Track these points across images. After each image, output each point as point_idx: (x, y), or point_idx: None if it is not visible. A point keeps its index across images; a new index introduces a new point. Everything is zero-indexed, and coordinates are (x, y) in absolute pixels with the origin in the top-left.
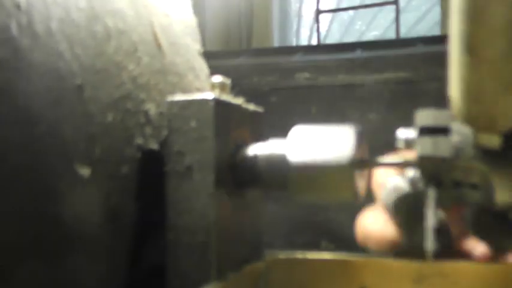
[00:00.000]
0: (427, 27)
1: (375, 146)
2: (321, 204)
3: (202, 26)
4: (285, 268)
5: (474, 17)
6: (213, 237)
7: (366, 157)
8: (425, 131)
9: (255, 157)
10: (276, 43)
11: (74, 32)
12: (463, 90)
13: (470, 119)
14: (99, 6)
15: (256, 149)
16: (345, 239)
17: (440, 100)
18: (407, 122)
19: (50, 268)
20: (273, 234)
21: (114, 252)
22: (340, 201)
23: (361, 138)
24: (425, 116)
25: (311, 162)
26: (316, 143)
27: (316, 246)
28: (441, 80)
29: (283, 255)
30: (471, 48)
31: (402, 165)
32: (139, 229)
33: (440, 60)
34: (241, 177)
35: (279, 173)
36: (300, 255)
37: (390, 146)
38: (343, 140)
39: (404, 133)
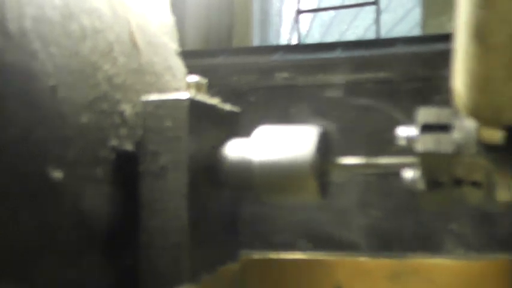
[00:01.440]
0: (408, 28)
1: (354, 145)
2: (289, 205)
3: (181, 25)
4: (260, 269)
5: (484, 1)
6: (186, 239)
7: (330, 157)
8: (427, 128)
9: (222, 158)
10: (256, 42)
11: (48, 31)
12: (468, 80)
13: (474, 111)
14: (74, 5)
15: (225, 150)
16: (323, 237)
17: (420, 100)
18: (387, 122)
19: (21, 272)
20: (250, 234)
21: (87, 256)
22: (303, 202)
23: (325, 138)
24: (427, 114)
25: (274, 164)
26: (280, 144)
27: (294, 246)
28: (421, 80)
29: (258, 255)
30: (479, 34)
31: (397, 166)
32: (113, 231)
33: (421, 61)
34: (216, 177)
35: (244, 174)
36: (274, 255)
37: (369, 144)
38: (305, 140)
39: (404, 131)
